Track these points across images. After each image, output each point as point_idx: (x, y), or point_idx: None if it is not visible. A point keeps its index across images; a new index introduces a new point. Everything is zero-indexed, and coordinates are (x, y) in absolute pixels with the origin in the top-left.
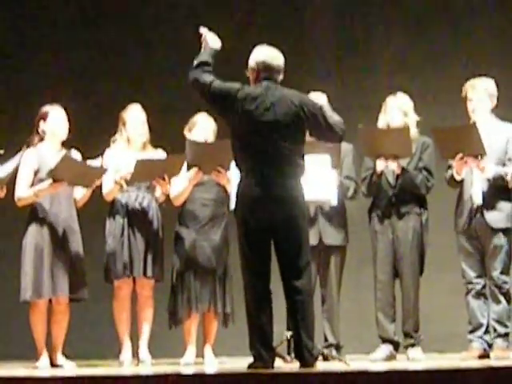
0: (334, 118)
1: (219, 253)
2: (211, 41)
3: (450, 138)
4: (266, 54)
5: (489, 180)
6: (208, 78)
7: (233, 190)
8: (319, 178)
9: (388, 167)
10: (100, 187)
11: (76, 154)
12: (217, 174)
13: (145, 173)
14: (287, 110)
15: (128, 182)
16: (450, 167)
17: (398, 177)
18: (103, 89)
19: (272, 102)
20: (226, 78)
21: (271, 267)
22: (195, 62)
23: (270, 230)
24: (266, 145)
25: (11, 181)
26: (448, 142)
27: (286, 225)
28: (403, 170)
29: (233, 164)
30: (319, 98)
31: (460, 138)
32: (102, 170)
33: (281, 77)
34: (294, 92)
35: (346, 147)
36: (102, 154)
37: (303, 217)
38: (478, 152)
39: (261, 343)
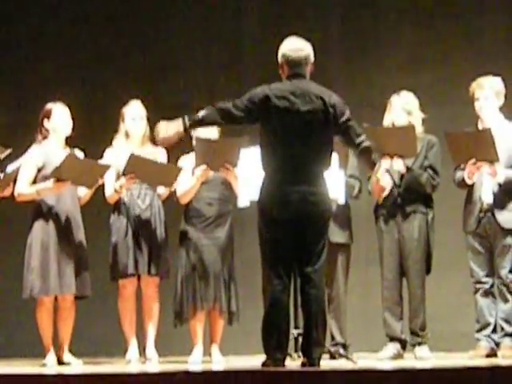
0: (359, 129)
1: (224, 251)
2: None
3: (464, 143)
4: (287, 46)
5: (499, 184)
6: (228, 105)
7: (240, 187)
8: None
9: (393, 167)
10: (103, 188)
11: (79, 154)
12: (225, 170)
13: (140, 170)
14: (316, 107)
15: (124, 174)
16: (457, 168)
17: (402, 176)
18: (109, 87)
19: (301, 100)
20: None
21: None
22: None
23: (294, 228)
24: (294, 141)
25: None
26: (461, 146)
27: (309, 224)
28: (408, 169)
29: (241, 161)
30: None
31: (474, 144)
32: (105, 167)
33: (309, 68)
34: (324, 89)
35: None
36: (101, 156)
37: (327, 216)
38: (491, 158)
39: (275, 342)
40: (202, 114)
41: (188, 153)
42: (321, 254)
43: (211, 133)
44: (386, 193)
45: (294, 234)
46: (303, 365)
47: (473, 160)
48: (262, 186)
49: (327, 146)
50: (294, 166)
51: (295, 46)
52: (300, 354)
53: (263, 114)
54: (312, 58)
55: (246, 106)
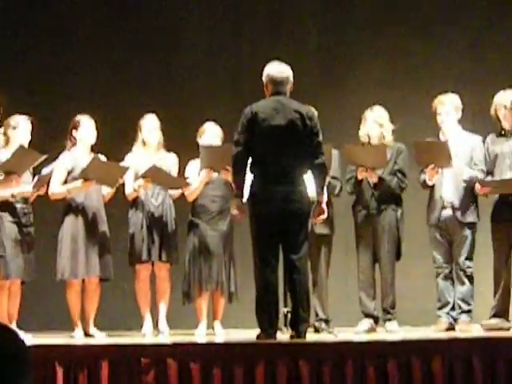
0: (322, 148)
1: (226, 240)
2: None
3: (427, 151)
4: (270, 69)
5: (465, 181)
6: (235, 148)
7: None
8: (309, 178)
9: (367, 178)
10: (123, 187)
11: (102, 158)
12: (226, 172)
13: (156, 177)
14: (294, 120)
15: (142, 177)
16: (422, 171)
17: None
18: (128, 102)
19: (282, 114)
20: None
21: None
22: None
23: (279, 221)
24: (276, 150)
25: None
26: (424, 153)
27: (292, 218)
28: (380, 179)
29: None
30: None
31: (434, 152)
32: (124, 169)
33: (289, 85)
34: (300, 104)
35: (333, 153)
36: (122, 159)
37: (307, 211)
38: (446, 165)
39: (267, 319)
40: (237, 176)
41: (194, 158)
42: (303, 244)
43: (214, 140)
44: (323, 217)
45: (278, 227)
46: (291, 337)
47: (432, 165)
48: (250, 187)
49: (306, 152)
50: (276, 170)
51: (278, 69)
52: (289, 328)
53: (253, 127)
54: (291, 79)
55: (245, 130)
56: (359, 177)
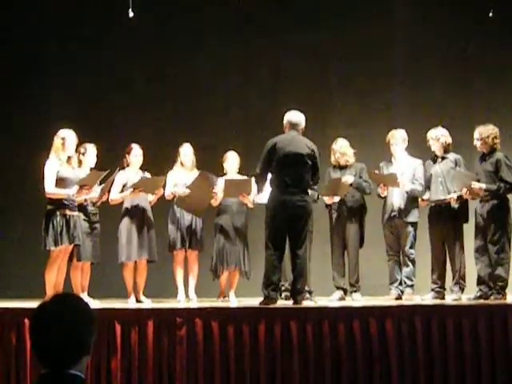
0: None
1: (242, 233)
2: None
3: (381, 177)
4: (289, 115)
5: (406, 192)
6: (261, 175)
7: (261, 198)
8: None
9: (346, 180)
10: (163, 197)
11: (147, 174)
12: (242, 197)
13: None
14: (303, 149)
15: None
16: (378, 186)
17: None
18: (169, 134)
19: (294, 144)
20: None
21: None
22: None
23: (289, 221)
24: (289, 170)
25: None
26: (379, 178)
27: (298, 219)
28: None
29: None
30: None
31: (386, 179)
32: (161, 180)
33: (301, 127)
34: (308, 140)
35: None
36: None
37: (309, 215)
38: (394, 186)
39: (271, 289)
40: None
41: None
42: (305, 239)
43: (234, 166)
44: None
45: (288, 226)
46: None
47: (382, 184)
48: (270, 195)
49: (310, 172)
50: (289, 184)
51: (294, 115)
52: (283, 297)
53: (273, 155)
54: (303, 122)
55: (267, 156)
56: (328, 202)
